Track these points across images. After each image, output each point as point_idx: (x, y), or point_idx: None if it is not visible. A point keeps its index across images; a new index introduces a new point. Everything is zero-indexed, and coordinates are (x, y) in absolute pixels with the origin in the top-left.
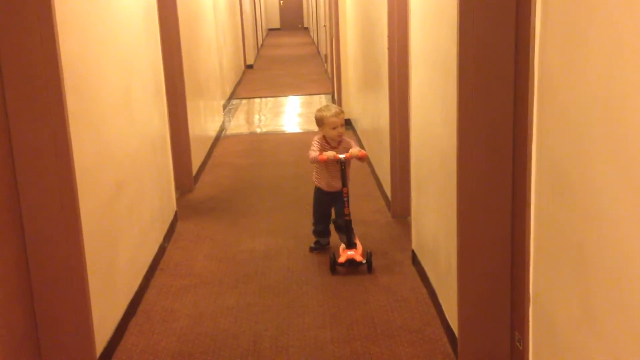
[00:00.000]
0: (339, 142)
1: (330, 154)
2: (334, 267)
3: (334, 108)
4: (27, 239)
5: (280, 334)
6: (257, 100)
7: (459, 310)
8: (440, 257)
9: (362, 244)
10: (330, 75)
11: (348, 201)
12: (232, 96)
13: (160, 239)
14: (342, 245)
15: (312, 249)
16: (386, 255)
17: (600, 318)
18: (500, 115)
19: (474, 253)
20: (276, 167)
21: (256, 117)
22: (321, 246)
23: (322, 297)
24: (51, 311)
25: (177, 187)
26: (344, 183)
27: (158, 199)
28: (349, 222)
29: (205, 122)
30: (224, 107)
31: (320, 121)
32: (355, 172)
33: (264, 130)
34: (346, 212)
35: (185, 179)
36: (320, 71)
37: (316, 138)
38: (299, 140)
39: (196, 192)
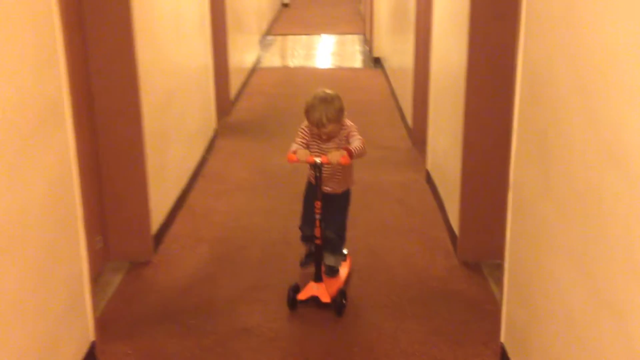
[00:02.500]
0: (331, 137)
1: (302, 155)
2: (293, 302)
3: (321, 108)
4: (99, 134)
5: None
6: (291, 37)
7: (460, 211)
8: (449, 172)
9: (344, 272)
10: (363, 16)
11: (322, 220)
12: (268, 33)
13: (202, 151)
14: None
15: (302, 264)
16: (403, 175)
17: (555, 186)
18: (507, 37)
19: (476, 163)
20: (307, 96)
21: (290, 52)
22: (313, 259)
23: None
24: (116, 195)
25: (216, 110)
26: (317, 195)
27: (201, 115)
28: (319, 247)
29: (243, 54)
30: (259, 42)
31: (304, 113)
32: (379, 105)
33: (297, 64)
34: (316, 233)
35: (224, 103)
36: (355, 12)
37: (302, 125)
38: (330, 75)
39: (233, 115)
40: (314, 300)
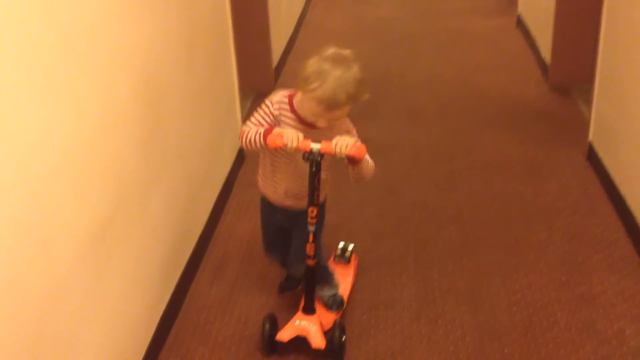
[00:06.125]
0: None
1: (292, 137)
2: (271, 344)
3: (337, 76)
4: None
5: (404, 68)
6: None
7: (552, 41)
8: (542, 10)
9: (348, 290)
10: None
11: (316, 232)
12: None
13: (303, 4)
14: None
15: (282, 290)
16: (494, 20)
17: None
18: None
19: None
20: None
21: None
22: (296, 283)
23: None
24: (244, 35)
25: None
26: (313, 198)
27: None
28: (312, 269)
29: None
30: None
31: (301, 82)
32: None
33: None
34: (309, 251)
35: None
36: None
37: (274, 97)
38: None
39: None
40: (301, 340)
